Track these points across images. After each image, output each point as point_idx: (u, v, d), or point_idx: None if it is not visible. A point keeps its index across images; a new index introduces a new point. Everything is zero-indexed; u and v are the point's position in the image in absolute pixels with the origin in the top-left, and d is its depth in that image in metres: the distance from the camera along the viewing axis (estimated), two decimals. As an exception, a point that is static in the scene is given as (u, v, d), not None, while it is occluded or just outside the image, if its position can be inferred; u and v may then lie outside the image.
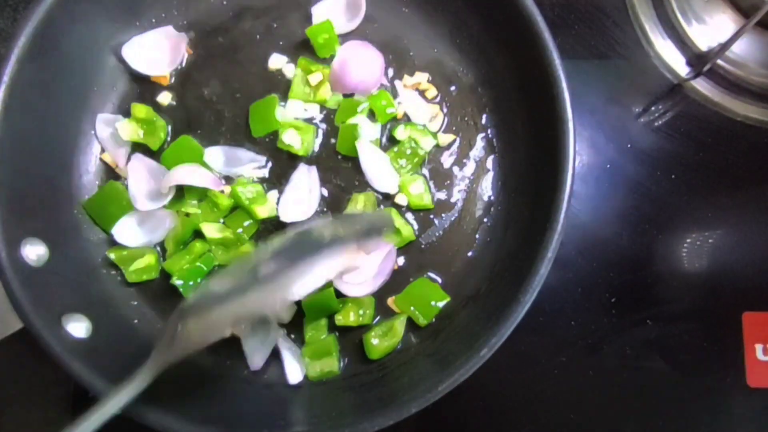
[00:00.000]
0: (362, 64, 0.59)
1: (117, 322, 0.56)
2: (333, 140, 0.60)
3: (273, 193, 0.59)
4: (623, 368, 0.60)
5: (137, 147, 0.60)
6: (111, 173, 0.60)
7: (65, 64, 0.56)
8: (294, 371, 0.56)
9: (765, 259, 0.62)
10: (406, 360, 0.56)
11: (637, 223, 0.63)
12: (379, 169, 0.58)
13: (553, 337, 0.61)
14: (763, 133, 0.64)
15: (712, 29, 0.66)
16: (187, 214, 0.58)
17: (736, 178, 0.64)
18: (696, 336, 0.61)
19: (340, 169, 0.60)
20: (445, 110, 0.61)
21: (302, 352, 0.56)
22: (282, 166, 0.60)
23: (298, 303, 0.56)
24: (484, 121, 0.61)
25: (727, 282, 0.62)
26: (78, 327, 0.52)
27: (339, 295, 0.56)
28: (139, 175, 0.58)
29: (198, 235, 0.58)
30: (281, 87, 0.61)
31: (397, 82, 0.61)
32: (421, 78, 0.61)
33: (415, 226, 0.59)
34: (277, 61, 0.61)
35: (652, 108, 0.65)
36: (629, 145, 0.64)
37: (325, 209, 0.59)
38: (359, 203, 0.58)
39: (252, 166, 0.59)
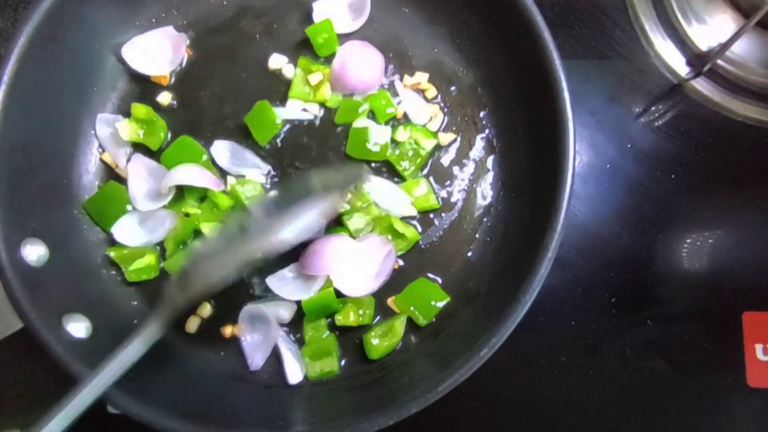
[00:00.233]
0: (362, 63, 0.59)
1: (117, 322, 0.56)
2: (333, 140, 0.60)
3: (273, 193, 0.59)
4: (623, 368, 0.60)
5: (137, 147, 0.60)
6: (111, 173, 0.60)
7: (65, 64, 0.56)
8: (294, 371, 0.56)
9: (765, 259, 0.62)
10: (406, 360, 0.56)
11: (637, 223, 0.63)
12: (392, 198, 0.59)
13: (553, 337, 0.61)
14: (763, 133, 0.64)
15: (712, 29, 0.66)
16: (187, 214, 0.58)
17: (736, 178, 0.64)
18: (696, 336, 0.61)
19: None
20: (445, 110, 0.61)
21: (302, 352, 0.56)
22: (284, 170, 0.60)
23: (298, 303, 0.57)
24: (484, 121, 0.61)
25: (727, 282, 0.62)
26: (78, 327, 0.52)
27: (339, 295, 0.56)
28: (139, 175, 0.58)
29: (198, 235, 0.58)
30: (281, 87, 0.61)
31: (397, 82, 0.61)
32: (421, 78, 0.61)
33: (416, 227, 0.59)
34: (277, 61, 0.61)
35: (652, 108, 0.65)
36: (629, 145, 0.64)
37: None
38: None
39: (256, 171, 0.59)
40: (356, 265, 0.56)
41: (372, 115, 0.60)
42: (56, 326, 0.50)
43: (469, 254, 0.59)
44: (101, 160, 0.60)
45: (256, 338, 0.57)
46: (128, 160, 0.59)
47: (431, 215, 0.60)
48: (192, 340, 0.57)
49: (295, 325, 0.58)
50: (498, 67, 0.60)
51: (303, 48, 0.61)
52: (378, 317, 0.58)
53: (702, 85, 0.65)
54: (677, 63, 0.66)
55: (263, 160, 0.60)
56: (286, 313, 0.57)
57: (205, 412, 0.50)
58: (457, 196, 0.60)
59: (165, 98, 0.61)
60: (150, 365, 0.55)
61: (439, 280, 0.58)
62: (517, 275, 0.51)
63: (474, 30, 0.60)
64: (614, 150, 0.64)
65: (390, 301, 0.58)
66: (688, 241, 0.63)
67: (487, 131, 0.61)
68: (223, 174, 0.59)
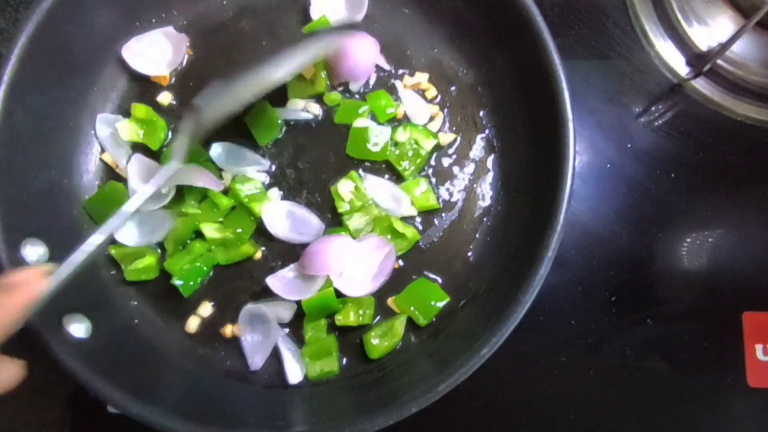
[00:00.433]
0: (356, 49, 0.59)
1: (117, 322, 0.56)
2: (333, 140, 0.60)
3: (274, 191, 0.59)
4: (623, 368, 0.60)
5: (137, 147, 0.60)
6: (111, 173, 0.60)
7: (65, 64, 0.56)
8: (294, 371, 0.56)
9: (765, 259, 0.62)
10: (406, 360, 0.56)
11: (637, 223, 0.63)
12: (392, 198, 0.59)
13: (553, 336, 0.61)
14: (763, 133, 0.64)
15: (712, 29, 0.66)
16: (187, 214, 0.58)
17: (736, 178, 0.64)
18: (696, 336, 0.61)
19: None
20: (445, 110, 0.61)
21: (302, 352, 0.56)
22: (284, 169, 0.60)
23: (298, 303, 0.57)
24: (484, 121, 0.61)
25: (727, 282, 0.62)
26: (78, 327, 0.52)
27: (339, 295, 0.56)
28: (139, 175, 0.58)
29: (198, 235, 0.58)
30: (281, 87, 0.61)
31: (397, 83, 0.61)
32: (421, 78, 0.61)
33: (416, 227, 0.59)
34: (277, 61, 0.61)
35: (652, 108, 0.65)
36: (629, 145, 0.64)
37: (329, 215, 0.59)
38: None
39: (255, 168, 0.59)
40: (356, 265, 0.56)
41: (372, 115, 0.60)
42: (56, 326, 0.50)
43: (469, 254, 0.59)
44: (101, 160, 0.60)
45: (256, 338, 0.57)
46: (128, 160, 0.59)
47: (431, 215, 0.60)
48: (192, 340, 0.57)
49: (295, 325, 0.57)
50: (498, 67, 0.60)
51: (303, 48, 0.61)
52: (378, 317, 0.58)
53: (702, 85, 0.65)
54: (677, 63, 0.66)
55: (263, 160, 0.60)
56: (286, 313, 0.57)
57: (205, 412, 0.50)
58: (457, 196, 0.60)
59: (165, 98, 0.61)
60: (150, 365, 0.55)
61: (439, 280, 0.58)
62: (517, 275, 0.51)
63: (474, 30, 0.60)
64: (614, 150, 0.64)
65: (390, 301, 0.58)
66: (688, 240, 0.63)
67: (487, 131, 0.61)
68: (222, 174, 0.59)
